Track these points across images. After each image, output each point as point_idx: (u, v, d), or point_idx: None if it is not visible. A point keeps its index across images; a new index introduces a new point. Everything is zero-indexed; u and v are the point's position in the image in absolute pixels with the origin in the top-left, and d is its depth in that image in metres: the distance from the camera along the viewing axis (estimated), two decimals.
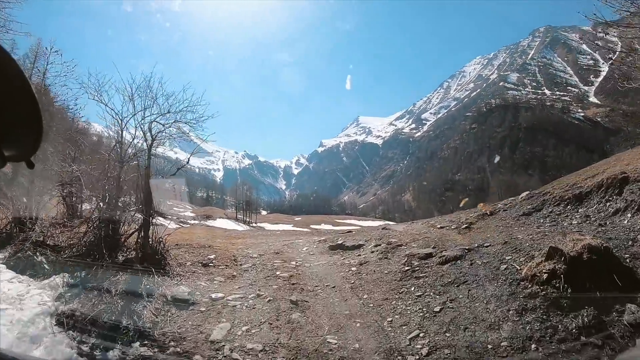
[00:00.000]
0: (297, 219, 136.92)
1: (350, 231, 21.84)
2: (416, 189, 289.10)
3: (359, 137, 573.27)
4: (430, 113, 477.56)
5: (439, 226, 16.10)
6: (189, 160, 16.72)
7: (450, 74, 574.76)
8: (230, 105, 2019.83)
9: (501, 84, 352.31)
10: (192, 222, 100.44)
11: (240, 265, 13.20)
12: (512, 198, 17.83)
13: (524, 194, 16.96)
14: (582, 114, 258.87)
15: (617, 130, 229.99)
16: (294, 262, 13.56)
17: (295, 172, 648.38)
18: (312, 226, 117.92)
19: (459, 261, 10.65)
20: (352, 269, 12.15)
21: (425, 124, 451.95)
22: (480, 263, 10.26)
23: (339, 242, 15.75)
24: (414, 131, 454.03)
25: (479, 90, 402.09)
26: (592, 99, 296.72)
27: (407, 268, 11.02)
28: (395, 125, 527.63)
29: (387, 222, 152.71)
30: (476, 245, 11.67)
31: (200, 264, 12.87)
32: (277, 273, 12.04)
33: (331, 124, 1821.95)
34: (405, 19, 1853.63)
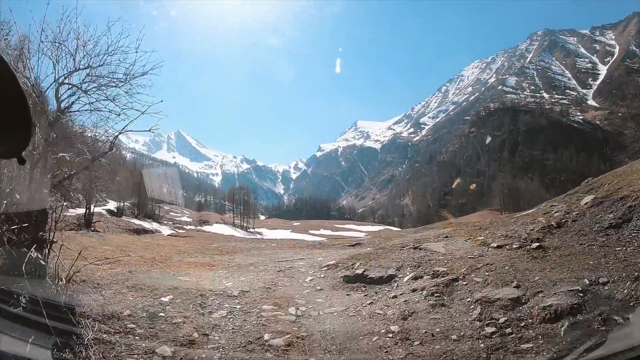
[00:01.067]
0: (295, 224, 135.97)
1: (358, 243, 20.46)
2: (415, 193, 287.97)
3: (358, 142, 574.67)
4: (429, 117, 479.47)
5: (494, 245, 11.51)
6: (115, 138, 11.04)
7: (449, 77, 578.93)
8: (228, 110, 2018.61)
9: (500, 87, 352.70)
10: (188, 227, 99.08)
11: (210, 314, 8.23)
12: (561, 203, 14.08)
13: (588, 199, 12.72)
14: (581, 117, 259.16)
15: (617, 132, 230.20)
16: (292, 309, 8.64)
17: (294, 176, 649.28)
18: (310, 231, 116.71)
19: (578, 315, 6.47)
20: (392, 328, 7.18)
21: (424, 128, 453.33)
22: None
23: (358, 270, 11.24)
24: (413, 135, 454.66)
25: (477, 94, 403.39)
26: (591, 102, 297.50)
27: (490, 329, 6.55)
28: (394, 130, 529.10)
29: (387, 226, 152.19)
30: (587, 281, 7.58)
31: (139, 319, 7.41)
32: (266, 337, 6.97)
33: (329, 128, 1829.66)
34: (402, 22, 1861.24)
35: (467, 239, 13.47)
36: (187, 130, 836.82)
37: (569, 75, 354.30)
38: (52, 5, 8.89)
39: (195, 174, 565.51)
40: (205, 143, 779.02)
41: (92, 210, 29.55)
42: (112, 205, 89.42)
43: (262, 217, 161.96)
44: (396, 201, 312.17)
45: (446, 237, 14.94)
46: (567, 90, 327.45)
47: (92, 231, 24.72)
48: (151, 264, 14.50)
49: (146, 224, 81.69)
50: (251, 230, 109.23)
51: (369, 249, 16.31)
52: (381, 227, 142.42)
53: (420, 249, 13.10)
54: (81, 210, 70.95)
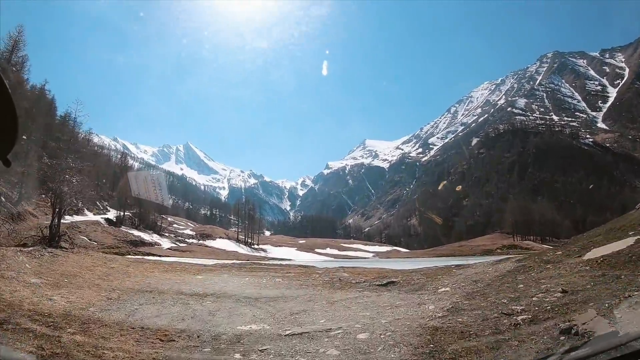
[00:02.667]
0: (301, 241, 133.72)
1: (391, 282, 16.92)
2: (423, 214, 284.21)
3: (365, 160, 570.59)
4: (437, 137, 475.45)
5: None
6: None
7: (458, 99, 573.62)
8: (236, 124, 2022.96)
9: (509, 109, 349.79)
10: (190, 240, 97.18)
11: None
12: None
13: None
14: (591, 140, 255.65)
15: (627, 155, 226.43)
16: None
17: (301, 193, 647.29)
18: (317, 250, 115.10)
19: None
20: None
21: (432, 148, 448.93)
22: None
23: None
24: (421, 155, 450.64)
25: (486, 115, 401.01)
26: (601, 124, 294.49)
27: None
28: (402, 149, 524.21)
29: (394, 247, 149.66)
30: None
31: None
32: None
33: (337, 146, 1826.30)
34: (412, 43, 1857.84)
35: None
36: (196, 143, 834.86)
37: (579, 97, 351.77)
38: None
39: (202, 187, 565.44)
40: (214, 156, 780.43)
41: (57, 221, 23.68)
42: (112, 214, 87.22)
43: (267, 233, 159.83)
44: (403, 221, 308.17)
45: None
46: (577, 113, 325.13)
47: (53, 247, 21.24)
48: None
49: (146, 236, 79.52)
50: (255, 246, 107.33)
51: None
52: (389, 248, 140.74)
53: None
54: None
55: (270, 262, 43.41)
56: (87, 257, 19.94)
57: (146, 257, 40.72)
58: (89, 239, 59.32)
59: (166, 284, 16.30)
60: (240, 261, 40.72)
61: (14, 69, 51.34)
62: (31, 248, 18.16)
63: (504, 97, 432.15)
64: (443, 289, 13.53)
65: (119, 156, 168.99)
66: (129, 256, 47.10)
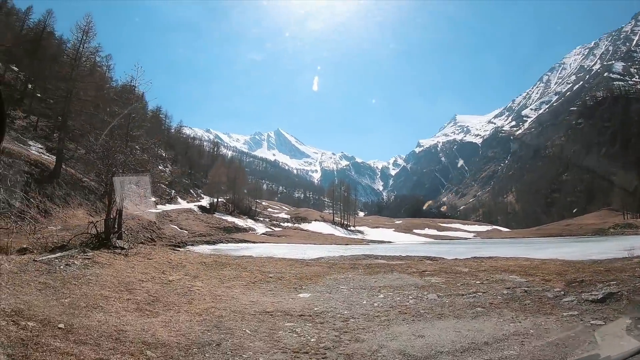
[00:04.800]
0: (397, 222, 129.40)
1: (611, 294, 10.31)
2: (519, 191, 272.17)
3: (457, 137, 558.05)
4: (531, 109, 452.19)
5: None
6: None
7: (550, 66, 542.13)
8: (325, 108, 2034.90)
9: (605, 74, 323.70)
10: (285, 224, 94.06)
11: None
12: None
13: None
14: None
15: None
16: None
17: (393, 173, 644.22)
18: (415, 231, 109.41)
19: None
20: None
21: (526, 120, 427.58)
22: None
23: None
24: (515, 129, 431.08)
25: (581, 82, 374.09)
26: None
27: None
28: (495, 123, 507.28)
29: (494, 226, 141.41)
30: None
31: None
32: None
33: (428, 123, 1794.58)
34: (499, 11, 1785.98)
35: None
36: (286, 128, 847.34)
37: None
38: None
39: (294, 171, 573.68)
40: (305, 140, 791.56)
41: (115, 214, 17.89)
42: (206, 201, 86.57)
43: (361, 214, 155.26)
44: (499, 199, 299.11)
45: None
46: None
47: (106, 248, 16.14)
48: None
49: (240, 221, 77.11)
50: (352, 228, 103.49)
51: None
52: (489, 227, 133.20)
53: None
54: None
55: (381, 252, 37.46)
56: (142, 263, 14.45)
57: (233, 252, 35.99)
58: (180, 228, 56.27)
59: (251, 322, 9.02)
60: (351, 252, 34.73)
61: (83, 59, 49.13)
62: (47, 257, 12.71)
63: (598, 61, 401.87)
64: None
65: (211, 145, 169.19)
66: (216, 248, 42.79)
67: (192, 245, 44.50)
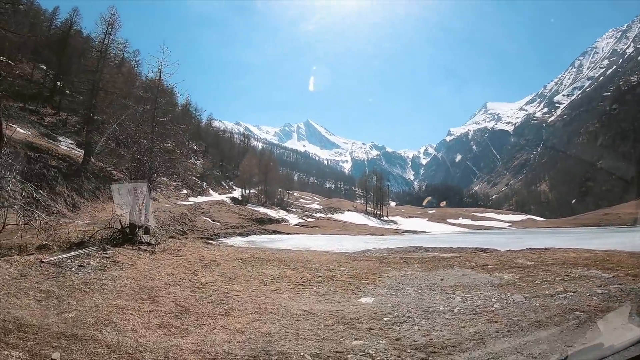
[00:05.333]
0: (430, 211, 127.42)
1: None
2: (553, 179, 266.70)
3: (488, 124, 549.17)
4: (563, 95, 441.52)
5: None
6: None
7: (581, 51, 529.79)
8: (355, 98, 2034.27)
9: None
10: (318, 215, 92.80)
11: None
12: None
13: None
14: None
15: None
16: None
17: (424, 162, 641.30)
18: (449, 220, 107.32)
19: None
20: None
21: (559, 107, 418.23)
22: None
23: None
24: (547, 116, 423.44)
25: (615, 67, 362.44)
26: None
27: None
28: (526, 110, 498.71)
29: (529, 216, 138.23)
30: None
31: None
32: None
33: (458, 111, 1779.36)
34: None
35: None
36: (316, 119, 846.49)
37: None
38: None
39: (325, 162, 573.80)
40: (334, 131, 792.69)
41: (141, 205, 16.33)
42: (238, 192, 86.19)
43: (392, 204, 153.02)
44: (532, 187, 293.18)
45: None
46: None
47: (130, 245, 14.16)
48: None
49: (272, 212, 76.28)
50: (385, 218, 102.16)
51: None
52: (524, 217, 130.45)
53: None
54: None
55: (424, 242, 35.38)
56: (170, 261, 12.60)
57: (267, 244, 34.32)
58: (212, 220, 55.05)
59: (309, 341, 6.73)
60: (392, 243, 32.63)
61: (109, 51, 48.87)
62: (58, 256, 10.82)
63: (632, 44, 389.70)
64: None
65: (242, 138, 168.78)
66: (249, 240, 41.11)
67: (225, 237, 43.02)
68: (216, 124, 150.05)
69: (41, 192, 30.25)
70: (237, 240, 39.56)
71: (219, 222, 55.26)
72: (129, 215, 16.34)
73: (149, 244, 15.29)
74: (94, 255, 11.50)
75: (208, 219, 54.58)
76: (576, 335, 6.83)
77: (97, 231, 15.99)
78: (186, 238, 35.54)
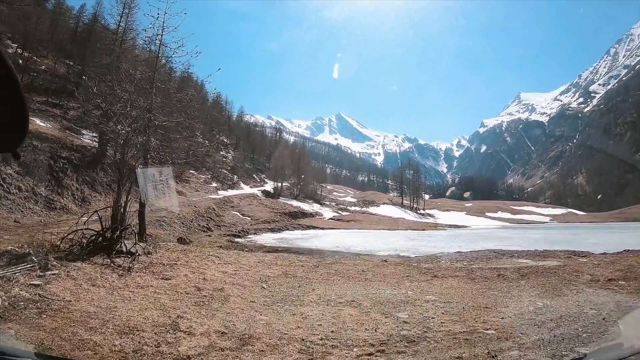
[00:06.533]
0: (467, 204, 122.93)
1: None
2: (590, 172, 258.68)
3: (522, 115, 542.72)
4: (599, 84, 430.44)
5: None
6: None
7: (617, 38, 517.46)
8: (386, 90, 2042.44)
9: None
10: (352, 208, 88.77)
11: None
12: None
13: None
14: None
15: None
16: None
17: (457, 154, 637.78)
18: (487, 214, 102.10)
19: None
20: None
21: (594, 97, 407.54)
22: None
23: None
24: (582, 106, 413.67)
25: None
26: None
27: None
28: (561, 101, 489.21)
29: (569, 209, 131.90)
30: None
31: None
32: None
33: (491, 102, 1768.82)
34: None
35: None
36: (347, 112, 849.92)
37: None
38: None
39: (357, 154, 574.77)
40: (366, 124, 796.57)
41: (123, 204, 11.39)
42: (269, 185, 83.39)
43: (426, 197, 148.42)
44: (568, 180, 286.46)
45: None
46: None
47: (112, 256, 9.22)
48: None
49: (305, 206, 72.52)
50: (422, 211, 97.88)
51: None
52: (564, 211, 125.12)
53: None
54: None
55: (479, 240, 30.71)
56: (140, 295, 6.82)
57: (302, 241, 30.10)
58: (242, 214, 50.84)
59: None
60: (470, 245, 27.36)
61: (127, 33, 45.96)
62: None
63: None
64: None
65: (273, 131, 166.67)
66: (281, 237, 36.33)
67: (254, 233, 38.51)
68: (248, 118, 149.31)
69: (42, 186, 26.61)
70: (267, 237, 35.17)
71: (249, 216, 51.12)
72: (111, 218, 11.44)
73: (130, 253, 10.37)
74: (17, 280, 6.97)
75: (237, 213, 50.50)
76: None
77: (73, 232, 10.95)
78: (209, 235, 31.40)
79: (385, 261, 14.82)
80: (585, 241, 26.62)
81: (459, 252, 20.34)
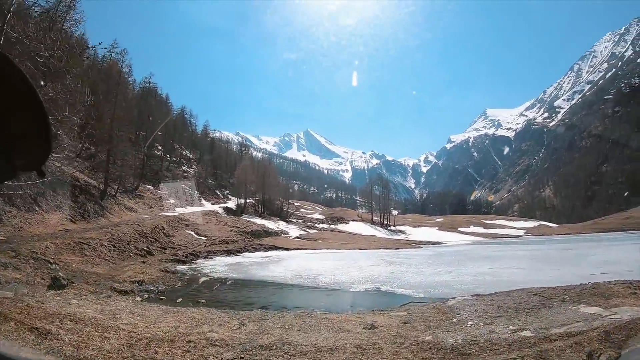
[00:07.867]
0: (438, 220, 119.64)
1: None
2: (557, 184, 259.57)
3: (489, 131, 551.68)
4: (563, 100, 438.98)
5: None
6: None
7: (579, 55, 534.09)
8: (353, 108, 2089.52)
9: (639, 60, 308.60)
10: (320, 225, 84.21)
11: None
12: None
13: None
14: None
15: None
16: None
17: (424, 169, 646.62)
18: (460, 229, 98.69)
19: None
20: None
21: (559, 111, 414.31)
22: None
23: None
24: (548, 120, 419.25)
25: (614, 70, 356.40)
26: None
27: None
28: (526, 116, 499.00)
29: (541, 222, 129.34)
30: None
31: None
32: None
33: (458, 118, 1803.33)
34: (523, 2, 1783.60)
35: None
36: (315, 129, 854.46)
37: None
38: None
39: (325, 171, 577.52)
40: (334, 140, 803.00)
41: None
42: (233, 202, 78.83)
43: (394, 212, 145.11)
44: (535, 193, 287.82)
45: None
46: None
47: None
48: None
49: (270, 224, 67.40)
50: (392, 228, 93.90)
51: None
52: (535, 223, 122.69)
53: None
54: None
55: (522, 279, 26.00)
56: None
57: (259, 269, 25.58)
58: (197, 234, 45.45)
59: None
60: (473, 273, 22.64)
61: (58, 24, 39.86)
62: None
63: (630, 47, 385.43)
64: None
65: (239, 147, 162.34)
66: (236, 261, 31.13)
67: (205, 257, 33.16)
68: (215, 133, 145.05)
69: None
70: (219, 263, 30.19)
71: (205, 236, 45.76)
72: None
73: None
74: None
75: (192, 233, 45.16)
76: None
77: None
78: (143, 262, 25.93)
79: (373, 327, 8.78)
80: (598, 259, 24.14)
81: (477, 295, 13.47)
